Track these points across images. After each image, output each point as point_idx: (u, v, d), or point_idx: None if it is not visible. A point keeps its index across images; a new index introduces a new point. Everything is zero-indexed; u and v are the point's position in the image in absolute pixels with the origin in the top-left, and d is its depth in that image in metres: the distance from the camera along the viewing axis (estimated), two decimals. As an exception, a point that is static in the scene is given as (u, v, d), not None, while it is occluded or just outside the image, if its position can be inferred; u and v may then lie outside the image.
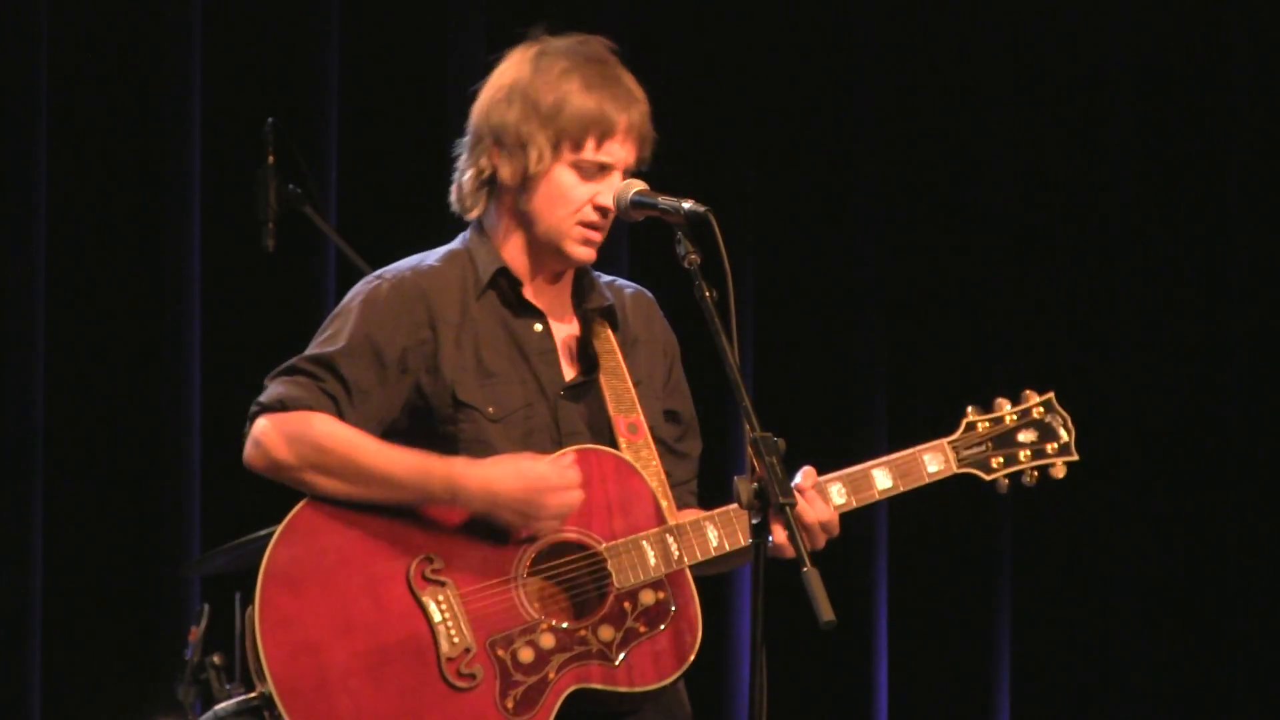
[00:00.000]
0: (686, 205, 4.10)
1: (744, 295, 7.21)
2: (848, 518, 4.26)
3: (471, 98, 4.34)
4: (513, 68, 4.28)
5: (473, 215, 4.33)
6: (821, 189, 7.41)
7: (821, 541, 4.19)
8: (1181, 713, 7.47)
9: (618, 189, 4.22)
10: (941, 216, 7.44)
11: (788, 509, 3.83)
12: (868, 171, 7.41)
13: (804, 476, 4.21)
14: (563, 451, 4.20)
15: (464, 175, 4.32)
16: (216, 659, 5.64)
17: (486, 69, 4.34)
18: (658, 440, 4.30)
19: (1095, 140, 7.51)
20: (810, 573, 3.77)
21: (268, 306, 6.75)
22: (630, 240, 6.91)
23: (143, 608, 6.61)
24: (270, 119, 5.91)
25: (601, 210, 4.23)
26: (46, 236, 6.59)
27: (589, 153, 4.22)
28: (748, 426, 3.89)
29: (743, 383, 3.94)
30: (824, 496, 4.21)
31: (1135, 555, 7.44)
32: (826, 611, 3.74)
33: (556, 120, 4.20)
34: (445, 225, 6.68)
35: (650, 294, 4.44)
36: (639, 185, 4.22)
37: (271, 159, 5.90)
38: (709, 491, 4.44)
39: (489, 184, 4.30)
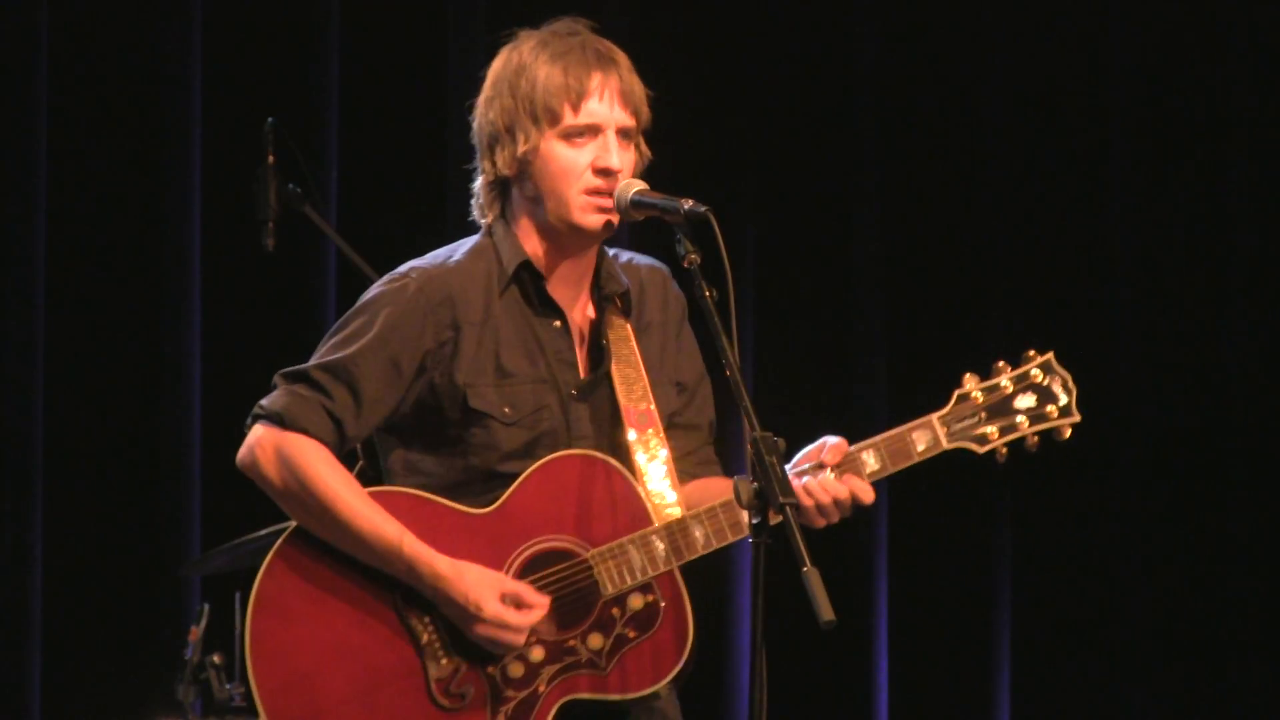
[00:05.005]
0: (686, 205, 4.07)
1: (744, 295, 7.20)
2: (849, 520, 4.25)
3: (470, 108, 4.35)
4: (493, 70, 4.30)
5: (491, 217, 4.32)
6: (822, 188, 7.40)
7: (835, 517, 4.20)
8: (1182, 712, 7.46)
9: (619, 187, 4.21)
10: (942, 215, 7.43)
11: (788, 509, 3.81)
12: (867, 170, 7.41)
13: (830, 453, 4.23)
14: (541, 461, 4.18)
15: (476, 184, 4.33)
16: (216, 659, 5.65)
17: (487, 56, 4.34)
18: (665, 417, 4.29)
19: (1095, 127, 7.50)
20: (810, 572, 3.74)
21: (268, 306, 6.75)
22: (630, 240, 6.90)
23: (143, 608, 6.61)
24: (270, 119, 5.91)
25: (603, 172, 4.20)
26: (46, 236, 6.59)
27: (569, 119, 4.20)
28: (748, 426, 3.88)
29: (743, 382, 3.94)
30: (852, 469, 4.25)
31: (1137, 553, 7.43)
32: (826, 611, 3.72)
33: (531, 98, 4.20)
34: (445, 225, 6.71)
35: (665, 268, 4.40)
36: (639, 185, 4.20)
37: (271, 159, 5.90)
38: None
39: (499, 184, 4.29)
